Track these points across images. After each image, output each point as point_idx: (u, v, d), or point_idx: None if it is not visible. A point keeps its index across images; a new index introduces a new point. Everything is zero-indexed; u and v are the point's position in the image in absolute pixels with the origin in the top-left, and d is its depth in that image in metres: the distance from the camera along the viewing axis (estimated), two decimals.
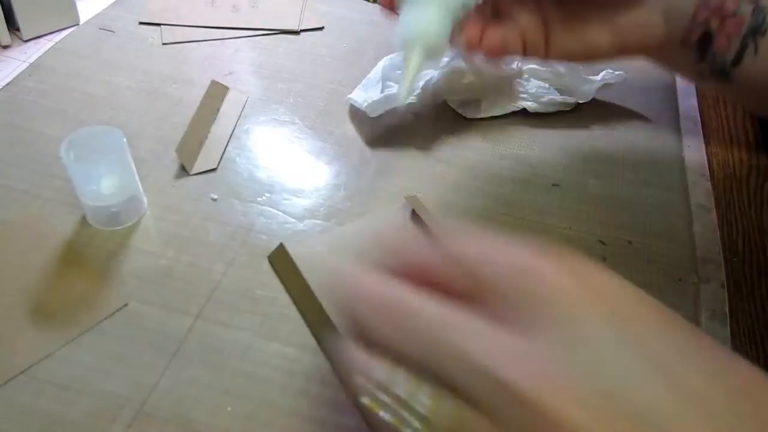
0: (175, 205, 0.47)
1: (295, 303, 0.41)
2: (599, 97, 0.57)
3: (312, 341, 0.39)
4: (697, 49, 0.46)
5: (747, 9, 0.44)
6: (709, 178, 0.52)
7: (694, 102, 0.60)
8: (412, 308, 0.24)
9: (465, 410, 0.21)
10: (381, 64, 0.58)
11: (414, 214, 0.47)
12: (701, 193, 0.51)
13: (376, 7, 0.73)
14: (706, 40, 0.46)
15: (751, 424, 0.21)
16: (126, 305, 0.40)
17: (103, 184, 0.43)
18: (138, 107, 0.56)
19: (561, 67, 0.56)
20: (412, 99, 0.54)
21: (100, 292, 0.41)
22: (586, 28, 0.45)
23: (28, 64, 0.60)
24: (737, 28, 0.45)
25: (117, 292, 0.41)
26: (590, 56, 0.47)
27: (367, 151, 0.53)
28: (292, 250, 0.44)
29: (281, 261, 0.43)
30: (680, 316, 0.25)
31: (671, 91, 0.61)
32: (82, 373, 0.37)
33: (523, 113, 0.56)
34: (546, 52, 0.46)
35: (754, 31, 0.45)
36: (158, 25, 0.67)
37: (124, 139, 0.43)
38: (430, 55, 0.40)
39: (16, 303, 0.40)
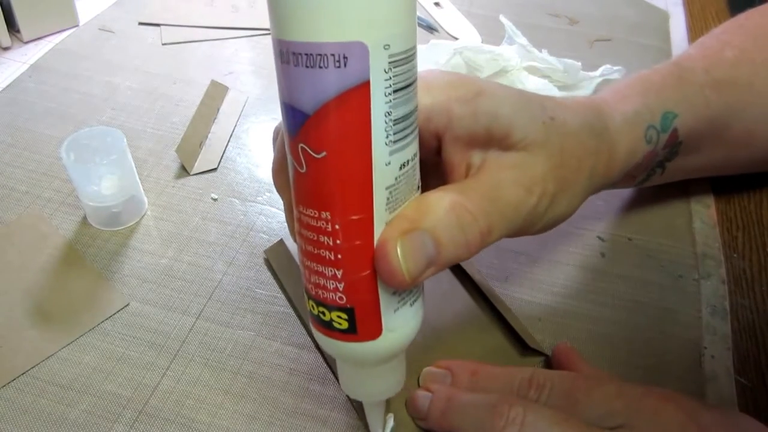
0: (175, 205, 0.47)
1: (290, 299, 0.41)
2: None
3: (312, 340, 0.39)
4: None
5: (662, 154, 0.42)
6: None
7: None
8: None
9: None
10: None
11: None
12: (701, 189, 0.51)
13: None
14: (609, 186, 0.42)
15: None
16: (127, 305, 0.41)
17: (104, 184, 0.43)
18: (138, 107, 0.56)
19: (559, 63, 0.56)
20: None
21: (102, 292, 0.41)
22: None
23: (28, 66, 0.60)
24: (646, 170, 0.42)
25: (118, 293, 0.41)
26: None
27: None
28: (290, 245, 0.44)
29: (278, 257, 0.43)
30: None
31: None
32: (84, 373, 0.37)
33: None
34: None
35: (663, 162, 0.43)
36: (158, 25, 0.67)
37: (125, 140, 0.43)
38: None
39: (17, 304, 0.40)
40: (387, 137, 0.25)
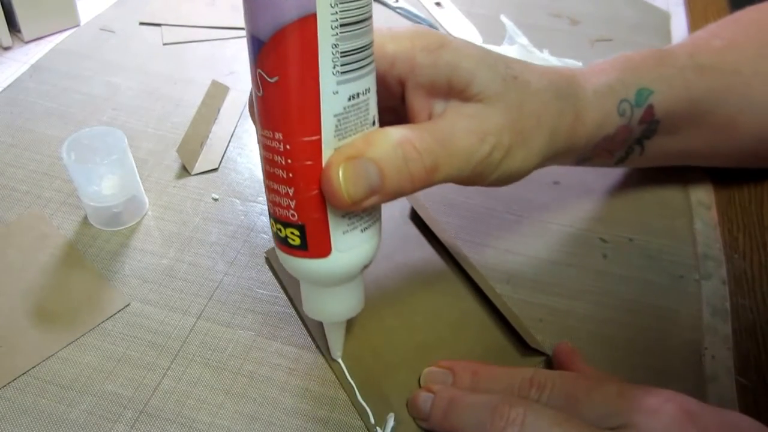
0: (176, 205, 0.47)
1: (291, 300, 0.41)
2: None
3: (312, 340, 0.39)
4: (574, 164, 0.44)
5: (638, 129, 0.42)
6: (708, 174, 0.52)
7: None
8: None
9: None
10: None
11: (413, 212, 0.47)
12: (701, 189, 0.51)
13: (375, 5, 0.73)
14: (583, 161, 0.44)
15: None
16: (128, 305, 0.41)
17: (105, 184, 0.43)
18: (139, 107, 0.56)
19: (560, 64, 0.56)
20: None
21: (102, 292, 0.41)
22: None
23: (29, 66, 0.60)
24: (623, 145, 0.43)
25: (119, 293, 0.41)
26: None
27: None
28: None
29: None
30: None
31: None
32: (85, 373, 0.37)
33: None
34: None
35: (641, 139, 0.44)
36: (159, 25, 0.67)
37: (125, 140, 0.43)
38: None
39: (18, 304, 0.40)
40: (334, 67, 0.27)
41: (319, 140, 0.28)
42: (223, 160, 0.51)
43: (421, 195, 0.48)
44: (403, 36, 0.33)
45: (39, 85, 0.58)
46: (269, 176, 0.30)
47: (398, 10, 0.72)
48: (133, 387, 0.36)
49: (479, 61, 0.33)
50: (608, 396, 0.32)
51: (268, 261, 0.44)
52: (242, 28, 0.67)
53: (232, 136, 0.54)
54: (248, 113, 0.56)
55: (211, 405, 0.36)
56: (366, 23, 0.27)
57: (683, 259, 0.45)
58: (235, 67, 0.62)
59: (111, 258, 0.43)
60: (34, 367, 0.37)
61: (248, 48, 0.28)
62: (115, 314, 0.40)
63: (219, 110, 0.56)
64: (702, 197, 0.50)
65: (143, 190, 0.46)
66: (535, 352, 0.38)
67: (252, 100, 0.31)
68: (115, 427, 0.35)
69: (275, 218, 0.31)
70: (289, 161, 0.28)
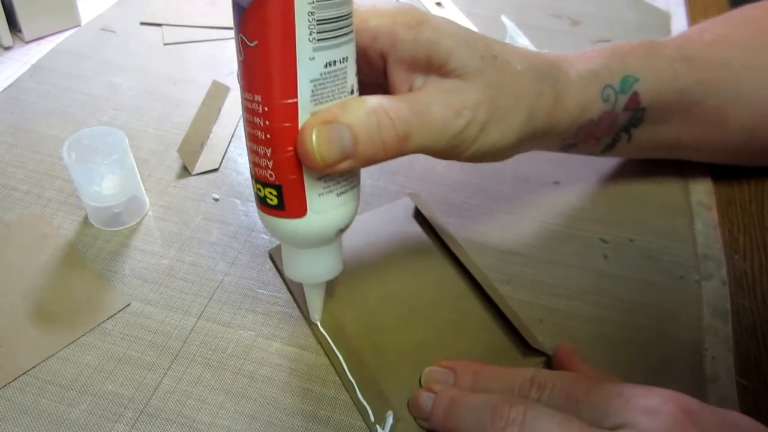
0: (176, 205, 0.47)
1: (295, 299, 0.41)
2: None
3: (313, 340, 0.39)
4: (560, 151, 0.45)
5: (623, 116, 0.43)
6: (709, 175, 0.52)
7: None
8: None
9: None
10: None
11: (416, 212, 0.47)
12: (702, 190, 0.51)
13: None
14: (570, 146, 0.45)
15: None
16: (128, 305, 0.41)
17: (105, 184, 0.43)
18: (139, 107, 0.56)
19: None
20: None
21: (103, 292, 0.41)
22: None
23: (29, 65, 0.60)
24: (609, 132, 0.44)
25: (119, 293, 0.41)
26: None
27: None
28: None
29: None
30: None
31: None
32: (85, 373, 0.37)
33: None
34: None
35: (628, 127, 0.44)
36: (159, 25, 0.67)
37: (126, 140, 0.43)
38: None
39: (18, 304, 0.40)
40: (310, 34, 0.28)
41: (296, 104, 0.30)
42: (223, 160, 0.51)
43: (423, 195, 0.48)
44: (385, 12, 0.34)
45: (40, 85, 0.58)
46: (250, 138, 0.31)
47: None
48: (133, 387, 0.36)
49: (459, 39, 0.34)
50: (608, 396, 0.32)
51: (271, 258, 0.44)
52: None
53: (232, 136, 0.54)
54: None
55: (211, 405, 0.36)
56: None
57: (683, 259, 0.45)
58: (235, 67, 0.62)
59: (111, 258, 0.43)
60: (35, 366, 0.37)
61: (233, 14, 0.29)
62: (115, 314, 0.40)
63: (220, 110, 0.56)
64: (702, 198, 0.50)
65: (144, 190, 0.46)
66: (536, 352, 0.38)
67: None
68: (116, 427, 0.35)
69: (255, 178, 0.32)
70: (268, 123, 0.30)
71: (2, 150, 0.51)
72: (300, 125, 0.30)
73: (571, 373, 0.35)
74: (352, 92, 0.32)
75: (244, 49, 0.29)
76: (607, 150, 0.46)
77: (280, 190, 0.32)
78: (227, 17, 0.68)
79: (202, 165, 0.51)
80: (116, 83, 0.59)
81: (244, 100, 0.31)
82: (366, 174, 0.51)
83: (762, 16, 0.47)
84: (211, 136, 0.53)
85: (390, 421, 0.35)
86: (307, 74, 0.29)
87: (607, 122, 0.42)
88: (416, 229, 0.46)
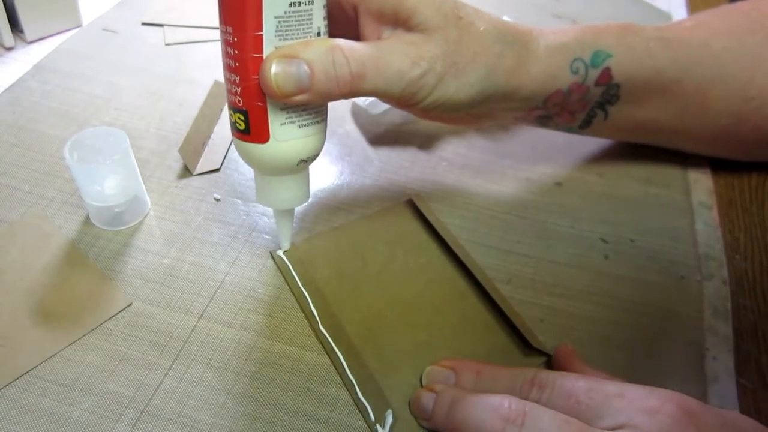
0: (178, 205, 0.47)
1: (298, 298, 0.41)
2: None
3: (314, 340, 0.39)
4: (536, 123, 0.47)
5: (596, 91, 0.44)
6: (710, 175, 0.52)
7: None
8: None
9: None
10: None
11: (415, 213, 0.47)
12: (703, 190, 0.51)
13: None
14: (545, 119, 0.46)
15: None
16: (130, 305, 0.41)
17: (107, 184, 0.43)
18: (141, 107, 0.56)
19: None
20: None
21: (104, 292, 0.41)
22: None
23: (31, 66, 0.61)
24: (583, 106, 0.45)
25: (121, 292, 0.41)
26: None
27: (370, 151, 0.53)
28: (297, 245, 0.44)
29: (288, 257, 0.43)
30: None
31: None
32: (87, 372, 0.37)
33: None
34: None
35: (603, 104, 0.45)
36: (161, 25, 0.67)
37: (128, 140, 0.43)
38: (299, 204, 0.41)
39: (20, 303, 0.40)
40: None
41: (261, 36, 0.33)
42: (225, 161, 0.52)
43: (424, 195, 0.49)
44: None
45: (41, 85, 0.58)
46: (225, 66, 0.35)
47: None
48: (134, 387, 0.37)
49: None
50: (609, 396, 0.32)
51: (272, 258, 0.44)
52: None
53: None
54: None
55: (212, 405, 0.36)
56: None
57: (684, 259, 0.45)
58: None
59: (113, 258, 0.44)
60: (36, 366, 0.37)
61: None
62: (117, 314, 0.40)
63: (221, 110, 0.56)
64: (703, 198, 0.50)
65: (145, 190, 0.46)
66: (538, 352, 0.38)
67: None
68: (117, 426, 0.35)
69: (228, 104, 0.36)
70: (237, 52, 0.33)
71: (4, 150, 0.51)
72: (265, 54, 0.33)
73: (572, 373, 0.35)
74: (318, 35, 0.35)
75: None
76: (585, 127, 0.46)
77: (246, 116, 0.35)
78: None
79: (203, 165, 0.51)
80: (118, 83, 0.59)
81: (221, 32, 0.34)
82: (366, 174, 0.51)
83: (750, 8, 0.47)
84: (212, 136, 0.53)
85: (389, 420, 0.35)
86: (271, 10, 0.32)
87: (577, 95, 0.43)
88: (418, 230, 0.46)
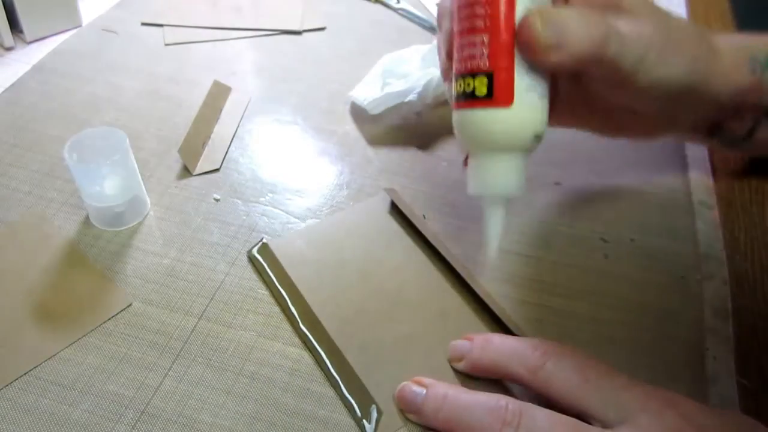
0: (178, 206, 0.47)
1: (277, 298, 0.41)
2: None
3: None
4: (705, 134, 0.46)
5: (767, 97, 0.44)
6: (711, 175, 0.52)
7: None
8: None
9: None
10: (382, 61, 0.58)
11: (393, 206, 0.47)
12: (703, 190, 0.51)
13: (377, 6, 0.73)
14: (715, 129, 0.46)
15: None
16: (130, 305, 0.41)
17: (107, 184, 0.43)
18: (141, 108, 0.56)
19: None
20: (412, 97, 0.54)
21: (104, 292, 0.41)
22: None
23: (31, 66, 0.60)
24: (753, 110, 0.44)
25: (121, 293, 0.41)
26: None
27: (370, 151, 0.53)
28: (273, 245, 0.44)
29: (263, 258, 0.43)
30: None
31: None
32: (86, 373, 0.37)
33: None
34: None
35: None
36: (161, 26, 0.67)
37: (127, 140, 0.43)
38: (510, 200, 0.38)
39: (20, 304, 0.40)
40: None
41: None
42: (224, 161, 0.51)
43: (423, 195, 0.48)
44: None
45: (41, 86, 0.58)
46: (467, 31, 0.35)
47: (400, 11, 0.72)
48: (134, 387, 0.37)
49: None
50: (617, 386, 0.32)
51: (251, 261, 0.44)
52: (243, 29, 0.67)
53: (233, 137, 0.54)
54: (252, 113, 0.56)
55: (212, 405, 0.36)
56: None
57: (684, 259, 0.45)
58: (236, 67, 0.62)
59: (113, 258, 0.43)
60: (36, 366, 0.37)
61: None
62: (116, 314, 0.40)
63: (221, 111, 0.56)
64: (703, 198, 0.50)
65: (145, 191, 0.46)
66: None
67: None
68: (117, 427, 0.35)
69: (464, 74, 0.35)
70: (488, 10, 0.34)
71: (4, 150, 0.51)
72: (517, 16, 0.34)
73: (584, 353, 0.35)
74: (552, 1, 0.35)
75: None
76: (749, 137, 0.45)
77: (491, 78, 0.34)
78: (228, 18, 0.69)
79: (203, 165, 0.51)
80: (117, 84, 0.59)
81: None
82: (366, 174, 0.51)
83: None
84: (212, 136, 0.53)
85: (375, 415, 0.35)
86: None
87: (754, 95, 0.43)
88: (393, 224, 0.46)
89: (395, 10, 0.72)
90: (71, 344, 0.38)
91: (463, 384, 0.37)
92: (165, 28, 0.67)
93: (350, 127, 0.56)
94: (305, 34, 0.68)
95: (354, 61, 0.64)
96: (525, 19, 0.33)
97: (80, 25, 0.67)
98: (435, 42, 0.58)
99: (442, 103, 0.57)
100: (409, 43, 0.61)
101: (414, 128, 0.56)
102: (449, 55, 0.39)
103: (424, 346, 0.39)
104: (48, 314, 0.40)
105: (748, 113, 0.44)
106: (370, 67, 0.59)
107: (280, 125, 0.56)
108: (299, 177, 0.50)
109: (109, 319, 0.40)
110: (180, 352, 0.38)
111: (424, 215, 0.47)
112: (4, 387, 0.36)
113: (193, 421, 0.35)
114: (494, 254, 0.39)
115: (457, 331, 0.39)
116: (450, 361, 0.38)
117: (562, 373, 0.33)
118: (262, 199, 0.48)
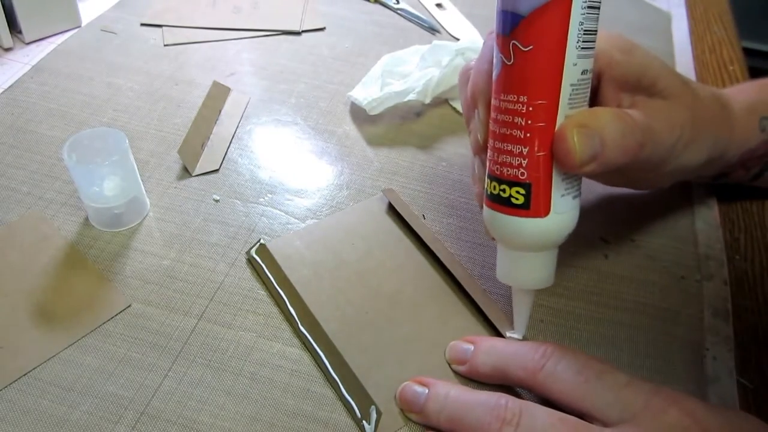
0: (177, 206, 0.47)
1: (276, 299, 0.41)
2: None
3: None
4: (710, 180, 0.48)
5: None
6: None
7: None
8: None
9: None
10: (381, 61, 0.58)
11: (390, 207, 0.47)
12: (703, 190, 0.51)
13: (377, 7, 0.73)
14: (721, 176, 0.47)
15: None
16: (129, 306, 0.41)
17: (106, 185, 0.43)
18: (140, 109, 0.56)
19: None
20: (412, 97, 0.54)
21: (103, 293, 0.41)
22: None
23: (30, 67, 0.60)
24: (760, 161, 0.45)
25: (120, 294, 0.41)
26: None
27: (369, 151, 0.53)
28: (271, 245, 0.44)
29: (261, 258, 0.43)
30: None
31: None
32: (86, 374, 0.37)
33: None
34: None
35: None
36: (160, 26, 0.67)
37: (126, 141, 0.43)
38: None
39: (19, 305, 0.40)
40: (578, 42, 0.32)
41: (557, 104, 0.32)
42: (224, 161, 0.51)
43: (423, 195, 0.48)
44: (602, 37, 0.37)
45: (40, 86, 0.58)
46: (503, 138, 0.33)
47: (399, 12, 0.72)
48: (134, 388, 0.36)
49: (663, 65, 0.38)
50: (618, 384, 0.32)
51: (249, 261, 0.44)
52: (243, 30, 0.67)
53: (233, 137, 0.54)
54: (251, 114, 0.56)
55: (212, 406, 0.36)
56: (599, 8, 0.33)
57: (685, 259, 0.45)
58: (236, 68, 0.62)
59: (112, 259, 0.43)
60: (36, 368, 0.37)
61: (500, 24, 0.33)
62: (116, 315, 0.40)
63: (220, 111, 0.56)
64: (704, 198, 0.50)
65: (144, 191, 0.46)
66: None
67: (476, 72, 0.37)
68: (116, 428, 0.35)
69: (501, 179, 0.34)
70: (529, 122, 0.32)
71: (3, 151, 0.51)
72: (556, 126, 0.32)
73: (583, 353, 0.35)
74: (587, 105, 0.34)
75: (515, 54, 0.32)
76: (755, 179, 0.47)
77: (528, 189, 0.33)
78: (227, 18, 0.69)
79: (202, 166, 0.50)
80: (117, 84, 0.59)
81: (503, 101, 0.33)
82: (366, 175, 0.51)
83: None
84: (211, 137, 0.53)
85: (374, 416, 0.35)
86: (569, 78, 0.32)
87: (762, 151, 0.44)
88: (392, 224, 0.46)
89: (395, 10, 0.72)
90: (70, 345, 0.38)
91: (463, 383, 0.37)
92: (164, 28, 0.67)
93: (350, 128, 0.56)
94: (305, 35, 0.68)
95: (353, 61, 0.64)
96: (560, 133, 0.32)
97: (79, 26, 0.67)
98: (434, 43, 0.58)
99: (441, 103, 0.57)
100: (408, 44, 0.61)
101: (413, 128, 0.56)
102: (485, 113, 0.37)
103: (423, 346, 0.39)
104: (47, 315, 0.40)
105: (756, 163, 0.45)
106: (369, 67, 0.59)
107: (279, 126, 0.56)
108: (299, 177, 0.50)
109: (109, 320, 0.40)
110: (179, 352, 0.38)
111: (423, 215, 0.47)
112: (4, 388, 0.36)
113: (193, 422, 0.35)
114: (521, 335, 0.39)
115: (456, 331, 0.39)
116: (450, 362, 0.38)
117: (562, 374, 0.33)
118: (261, 199, 0.48)
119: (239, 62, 0.63)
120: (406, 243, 0.45)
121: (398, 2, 0.73)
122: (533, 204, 0.33)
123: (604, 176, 0.44)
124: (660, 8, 0.76)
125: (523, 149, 0.33)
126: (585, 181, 0.50)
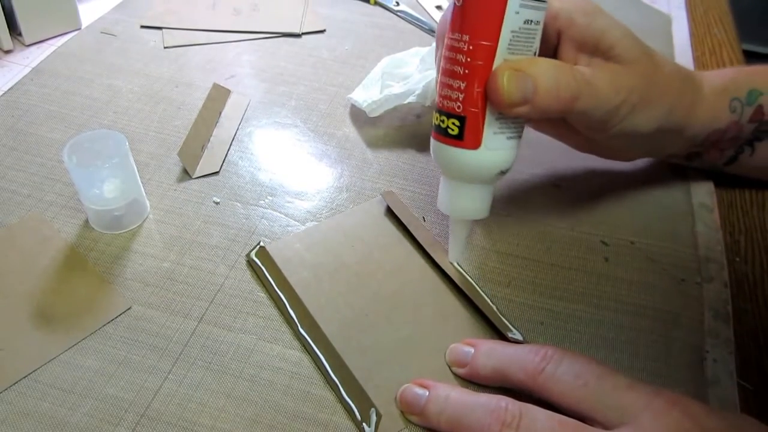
0: (177, 209, 0.47)
1: (275, 301, 0.41)
2: None
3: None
4: (684, 160, 0.49)
5: (748, 128, 0.46)
6: (711, 177, 0.52)
7: None
8: None
9: None
10: (381, 63, 0.58)
11: (389, 210, 0.47)
12: (703, 192, 0.51)
13: (377, 9, 0.73)
14: (694, 156, 0.48)
15: None
16: (129, 309, 0.41)
17: (106, 188, 0.43)
18: (140, 111, 0.56)
19: None
20: (412, 99, 0.54)
21: (104, 295, 0.41)
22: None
23: (30, 69, 0.60)
24: (733, 143, 0.47)
25: (120, 296, 0.41)
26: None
27: (369, 153, 0.53)
28: (270, 248, 0.44)
29: (261, 261, 0.43)
30: None
31: None
32: (86, 376, 0.37)
33: None
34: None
35: (752, 141, 0.47)
36: (160, 28, 0.67)
37: (127, 143, 0.43)
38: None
39: (19, 307, 0.40)
40: None
41: (496, 46, 0.35)
42: (224, 164, 0.51)
43: (423, 198, 0.48)
44: None
45: (40, 89, 0.58)
46: (448, 73, 0.36)
47: (399, 14, 0.72)
48: (134, 390, 0.36)
49: (625, 32, 0.40)
50: (618, 387, 0.32)
51: (249, 264, 0.44)
52: (243, 32, 0.67)
53: (233, 140, 0.54)
54: (251, 116, 0.56)
55: (212, 408, 0.36)
56: None
57: (685, 262, 0.45)
58: (236, 70, 0.62)
59: (112, 261, 0.43)
60: (36, 370, 0.37)
61: None
62: (116, 318, 0.40)
63: (220, 113, 0.56)
64: (704, 200, 0.50)
65: (144, 194, 0.46)
66: (514, 342, 0.39)
67: (442, 19, 0.40)
68: (117, 430, 0.35)
69: (441, 110, 0.37)
70: (468, 60, 0.35)
71: (3, 153, 0.51)
72: (494, 67, 0.35)
73: (584, 356, 0.35)
74: (534, 54, 0.37)
75: None
76: (730, 163, 0.48)
77: (463, 122, 0.36)
78: (227, 21, 0.69)
79: (202, 168, 0.51)
80: (117, 86, 0.59)
81: (451, 39, 0.36)
82: (365, 177, 0.51)
83: None
84: (211, 139, 0.53)
85: (374, 418, 0.35)
86: (510, 24, 0.34)
87: (732, 132, 0.45)
88: (391, 226, 0.46)
89: (394, 12, 0.72)
90: (70, 347, 0.38)
91: (463, 386, 0.37)
92: (164, 30, 0.67)
93: (350, 130, 0.56)
94: (305, 37, 0.68)
95: (353, 63, 0.64)
96: (494, 73, 0.35)
97: (79, 28, 0.67)
98: (434, 45, 0.58)
99: None
100: (408, 46, 0.61)
101: (413, 130, 0.56)
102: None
103: (423, 348, 0.39)
104: (47, 317, 0.40)
105: (728, 145, 0.46)
106: (369, 69, 0.59)
107: (279, 128, 0.56)
108: (299, 180, 0.50)
109: (109, 322, 0.40)
110: (180, 355, 0.38)
111: (423, 217, 0.47)
112: (4, 390, 0.36)
113: (193, 425, 0.35)
114: (456, 261, 0.43)
115: (456, 334, 0.39)
116: (450, 365, 0.38)
117: (562, 376, 0.33)
118: (261, 201, 0.48)
119: (239, 64, 0.63)
120: (406, 245, 0.45)
121: (398, 4, 0.73)
122: (466, 136, 0.36)
123: (552, 127, 0.47)
124: (660, 10, 0.76)
125: (462, 84, 0.36)
126: (585, 180, 0.51)
